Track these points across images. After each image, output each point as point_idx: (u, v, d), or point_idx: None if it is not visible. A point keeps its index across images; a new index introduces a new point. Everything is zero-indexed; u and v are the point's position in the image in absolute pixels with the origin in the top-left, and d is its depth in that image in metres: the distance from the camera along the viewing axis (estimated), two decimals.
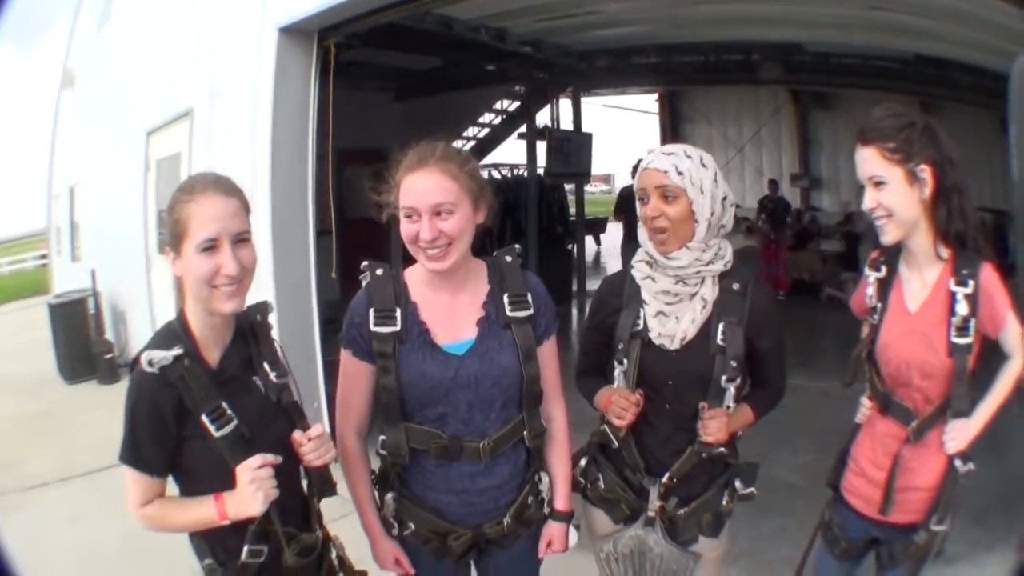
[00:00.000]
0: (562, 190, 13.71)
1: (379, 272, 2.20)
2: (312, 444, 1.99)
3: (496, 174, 13.70)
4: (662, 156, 2.23)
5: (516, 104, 13.98)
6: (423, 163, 2.06)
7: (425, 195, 2.03)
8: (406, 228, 2.06)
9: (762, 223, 12.64)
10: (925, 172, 2.10)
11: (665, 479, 2.33)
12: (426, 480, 2.21)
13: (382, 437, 2.20)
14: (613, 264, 13.76)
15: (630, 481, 2.40)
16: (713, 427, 2.22)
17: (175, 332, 1.89)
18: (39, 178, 16.04)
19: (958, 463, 2.20)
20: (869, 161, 2.15)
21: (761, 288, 2.35)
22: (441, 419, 2.14)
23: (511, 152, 14.77)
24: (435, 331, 2.15)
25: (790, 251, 12.75)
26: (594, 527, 2.53)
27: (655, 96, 17.39)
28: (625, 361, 2.32)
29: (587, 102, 14.19)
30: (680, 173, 2.18)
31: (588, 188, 16.65)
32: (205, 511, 1.88)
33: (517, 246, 2.32)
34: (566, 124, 13.26)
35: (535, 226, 12.21)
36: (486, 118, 14.66)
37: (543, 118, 13.12)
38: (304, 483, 2.10)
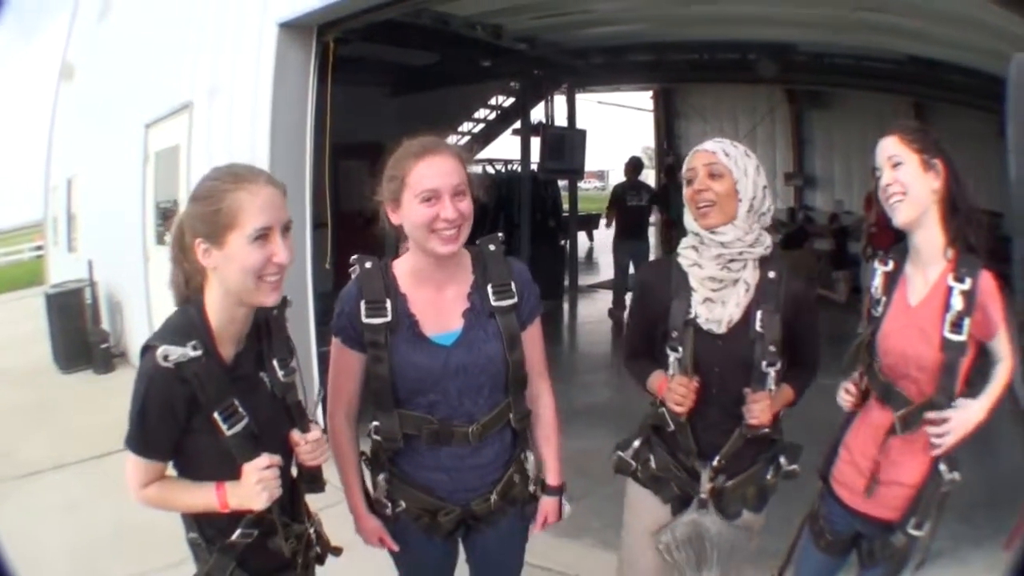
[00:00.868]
0: (556, 186, 13.73)
1: (368, 265, 2.27)
2: (309, 447, 2.05)
3: (490, 170, 13.77)
4: (711, 142, 2.41)
5: (511, 100, 14.01)
6: (436, 149, 2.15)
7: (447, 176, 2.11)
8: (423, 211, 2.10)
9: None
10: (938, 165, 2.23)
11: (715, 462, 2.44)
12: (417, 460, 2.30)
13: (375, 423, 2.27)
14: (605, 259, 13.75)
15: (683, 463, 2.50)
16: (757, 410, 2.34)
17: (193, 324, 1.85)
18: (36, 170, 16.03)
19: (943, 468, 2.27)
20: (889, 146, 2.28)
21: (798, 277, 2.46)
22: (432, 405, 2.23)
23: (505, 148, 14.83)
24: (423, 322, 2.23)
25: (785, 250, 12.77)
26: (639, 512, 2.63)
27: (650, 93, 17.36)
28: (680, 349, 2.42)
29: (582, 98, 14.20)
30: (727, 155, 2.35)
31: (582, 184, 16.67)
32: (207, 498, 1.90)
33: (500, 234, 2.40)
34: (561, 121, 13.28)
35: (528, 221, 12.27)
36: (481, 114, 14.69)
37: (538, 114, 13.17)
38: (295, 472, 2.15)
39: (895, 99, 11.42)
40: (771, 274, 2.39)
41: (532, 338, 2.38)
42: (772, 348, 2.34)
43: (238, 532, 1.95)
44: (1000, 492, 4.47)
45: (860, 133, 12.68)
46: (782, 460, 2.51)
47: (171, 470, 1.98)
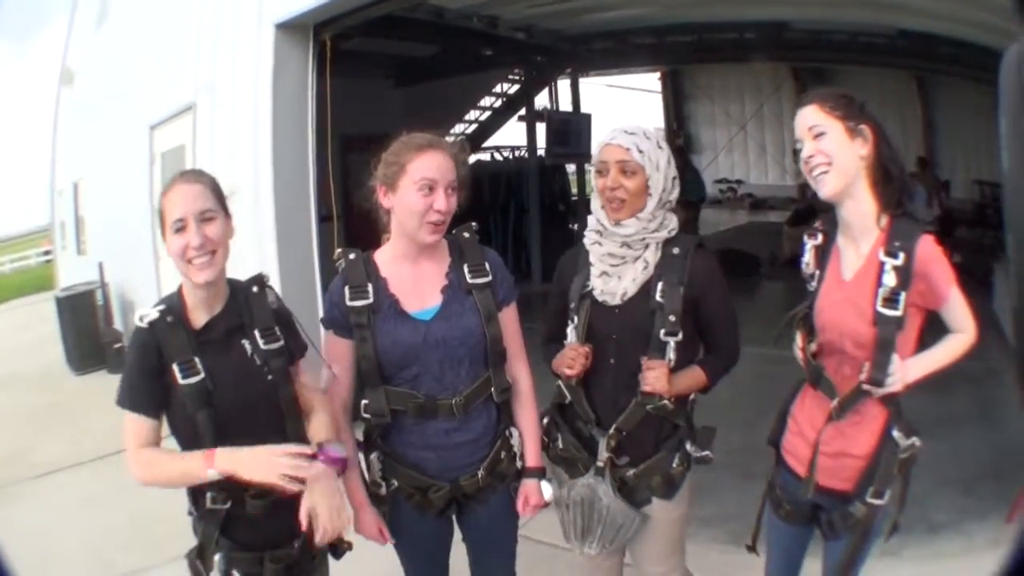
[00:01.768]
0: (563, 171, 13.83)
1: (351, 256, 2.45)
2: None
3: (498, 156, 13.84)
4: (624, 134, 2.42)
5: (515, 88, 14.02)
6: (438, 144, 2.33)
7: (446, 171, 2.30)
8: (419, 200, 2.27)
9: None
10: (866, 130, 2.14)
11: (612, 430, 2.47)
12: (406, 438, 2.43)
13: (364, 401, 2.40)
14: None
15: (582, 435, 2.57)
16: (651, 377, 2.36)
17: (170, 297, 2.19)
18: (41, 175, 16.02)
19: (897, 435, 2.19)
20: (808, 115, 2.18)
21: (704, 253, 2.49)
22: (416, 379, 2.36)
23: (512, 135, 14.85)
24: (404, 301, 2.38)
25: (795, 226, 12.75)
26: (559, 480, 2.68)
27: (658, 75, 17.35)
28: (575, 318, 2.52)
29: (589, 82, 14.26)
30: (641, 151, 2.38)
31: (589, 167, 16.62)
32: (192, 460, 2.07)
33: (474, 224, 2.53)
34: (565, 106, 13.34)
35: (537, 206, 12.42)
36: (487, 102, 14.68)
37: (543, 100, 13.24)
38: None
39: (897, 74, 11.41)
40: (675, 250, 2.44)
41: (509, 320, 2.51)
42: (672, 318, 2.37)
43: (208, 496, 2.13)
44: (1005, 465, 4.50)
45: None
46: (688, 447, 2.51)
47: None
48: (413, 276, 2.41)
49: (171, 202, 2.12)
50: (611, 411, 2.49)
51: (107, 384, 8.42)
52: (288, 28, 5.70)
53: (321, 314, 2.49)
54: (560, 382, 2.58)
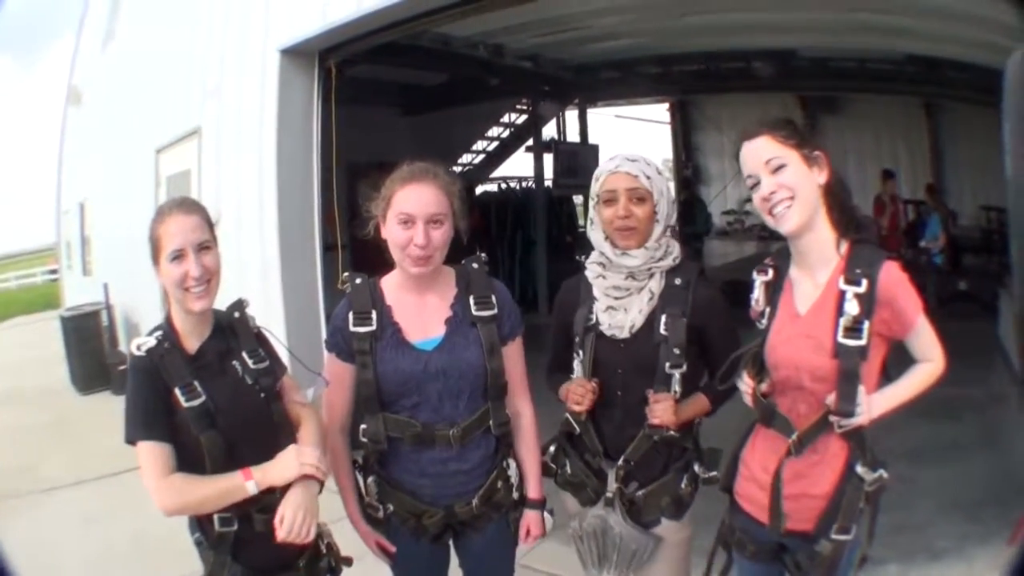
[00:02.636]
0: (571, 202, 13.91)
1: (358, 281, 2.45)
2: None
3: (505, 187, 13.87)
4: (628, 162, 2.41)
5: (524, 118, 14.06)
6: (422, 177, 2.32)
7: (425, 205, 2.28)
8: (400, 233, 2.28)
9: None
10: (820, 157, 2.06)
11: (620, 462, 2.48)
12: (402, 465, 2.43)
13: (363, 426, 2.42)
14: None
15: (591, 465, 2.56)
16: (659, 410, 2.37)
17: (161, 326, 2.22)
18: (47, 194, 16.13)
19: (862, 470, 2.09)
20: (762, 148, 2.07)
21: (705, 282, 2.50)
22: (415, 408, 2.37)
23: (520, 165, 14.88)
24: (407, 330, 2.38)
25: None
26: (566, 509, 2.68)
27: (666, 106, 17.36)
28: (581, 352, 2.52)
29: (597, 113, 14.32)
30: (648, 177, 2.38)
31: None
32: (231, 480, 2.10)
33: (484, 255, 2.53)
34: (573, 137, 13.41)
35: (544, 237, 12.45)
36: (494, 132, 14.76)
37: (551, 131, 13.29)
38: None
39: (905, 100, 11.41)
40: (677, 281, 2.44)
41: (513, 354, 2.50)
42: (676, 351, 2.38)
43: (216, 520, 2.14)
44: (1008, 491, 4.45)
45: (872, 137, 12.86)
46: (697, 468, 2.54)
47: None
48: (417, 305, 2.41)
49: (168, 232, 2.16)
50: (619, 443, 2.51)
51: (111, 405, 8.60)
52: (293, 54, 5.77)
53: (324, 344, 2.50)
54: (569, 415, 2.58)
